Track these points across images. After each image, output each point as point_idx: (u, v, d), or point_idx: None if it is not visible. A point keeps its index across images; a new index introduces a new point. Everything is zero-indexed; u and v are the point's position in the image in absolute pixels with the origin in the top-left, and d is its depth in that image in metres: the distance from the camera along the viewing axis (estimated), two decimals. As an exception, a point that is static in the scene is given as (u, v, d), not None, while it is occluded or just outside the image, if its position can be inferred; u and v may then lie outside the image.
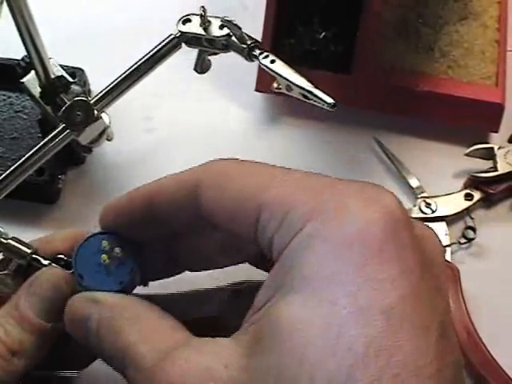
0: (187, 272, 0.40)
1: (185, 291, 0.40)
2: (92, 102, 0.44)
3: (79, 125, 0.44)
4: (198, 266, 0.39)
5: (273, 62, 0.42)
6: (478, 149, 0.55)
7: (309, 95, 0.40)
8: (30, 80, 0.52)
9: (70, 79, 0.51)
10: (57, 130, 0.44)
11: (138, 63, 0.44)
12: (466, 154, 0.55)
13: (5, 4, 0.43)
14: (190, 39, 0.45)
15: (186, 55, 0.46)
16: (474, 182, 0.55)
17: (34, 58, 0.48)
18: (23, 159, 0.43)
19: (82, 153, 0.54)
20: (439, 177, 0.56)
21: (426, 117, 0.57)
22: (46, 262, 0.38)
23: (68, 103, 0.44)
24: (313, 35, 0.58)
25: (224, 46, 0.44)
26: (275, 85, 0.42)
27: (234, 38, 0.43)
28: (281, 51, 0.56)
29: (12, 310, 0.36)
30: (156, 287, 0.40)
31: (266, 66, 0.42)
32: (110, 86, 0.44)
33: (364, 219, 0.28)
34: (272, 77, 0.42)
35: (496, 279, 0.52)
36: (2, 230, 0.39)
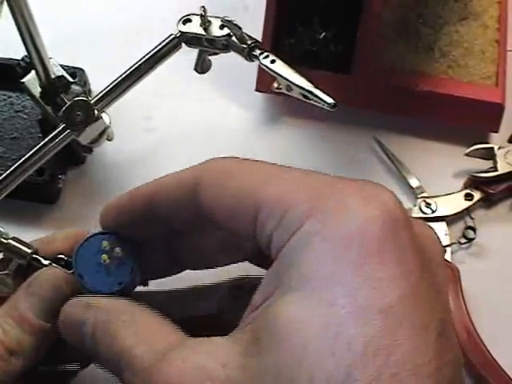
0: (187, 270, 0.40)
1: (184, 287, 0.40)
2: (92, 102, 0.44)
3: (79, 125, 0.44)
4: (199, 264, 0.39)
5: (273, 62, 0.42)
6: (478, 149, 0.55)
7: (309, 95, 0.40)
8: (31, 80, 0.52)
9: (71, 79, 0.51)
10: (57, 130, 0.44)
11: (138, 63, 0.44)
12: (466, 154, 0.55)
13: (5, 4, 0.43)
14: (191, 39, 0.45)
15: (186, 55, 0.46)
16: (474, 182, 0.55)
17: (35, 57, 0.48)
18: (23, 159, 0.43)
19: (83, 153, 0.54)
20: (439, 177, 0.56)
21: (426, 117, 0.57)
22: (46, 262, 0.38)
23: (68, 103, 0.44)
24: (313, 35, 0.58)
25: (224, 46, 0.44)
26: (275, 85, 0.42)
27: (234, 38, 0.43)
28: (281, 51, 0.56)
29: (11, 310, 0.36)
30: (155, 284, 0.40)
31: (266, 66, 0.42)
32: (110, 86, 0.44)
33: (363, 218, 0.28)
34: (272, 77, 0.42)
35: (496, 279, 0.52)
36: (3, 230, 0.39)
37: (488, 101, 0.55)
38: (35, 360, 0.36)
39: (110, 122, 0.46)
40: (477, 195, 0.54)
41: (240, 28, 0.42)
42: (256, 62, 0.43)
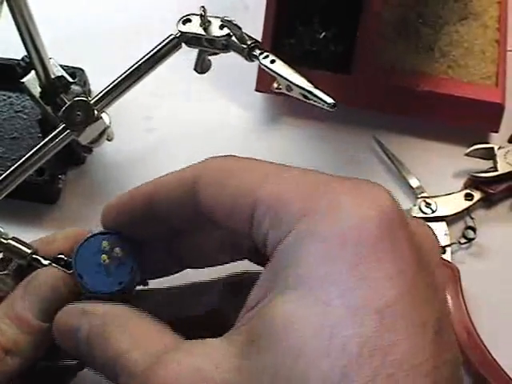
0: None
1: (182, 284, 0.40)
2: (92, 102, 0.44)
3: (79, 125, 0.44)
4: (199, 263, 0.39)
5: (273, 61, 0.42)
6: (478, 149, 0.55)
7: (309, 95, 0.40)
8: (30, 80, 0.52)
9: (70, 79, 0.51)
10: (57, 130, 0.44)
11: (138, 63, 0.44)
12: (466, 154, 0.55)
13: (5, 4, 0.43)
14: (190, 39, 0.45)
15: (186, 55, 0.46)
16: (474, 182, 0.55)
17: (34, 58, 0.48)
18: (23, 159, 0.43)
19: (82, 153, 0.54)
20: (439, 177, 0.56)
21: (426, 117, 0.57)
22: (46, 262, 0.38)
23: (68, 103, 0.44)
24: (313, 35, 0.58)
25: (224, 46, 0.44)
26: (275, 85, 0.42)
27: (234, 38, 0.43)
28: (281, 51, 0.56)
29: (8, 310, 0.36)
30: (154, 283, 0.40)
31: (265, 66, 0.42)
32: (110, 86, 0.44)
33: (357, 216, 0.28)
34: (272, 77, 0.42)
35: (496, 279, 0.52)
36: (2, 230, 0.39)
37: (488, 101, 0.55)
38: (32, 360, 0.36)
39: (109, 122, 0.46)
40: (477, 195, 0.54)
41: (240, 28, 0.42)
42: (256, 62, 0.43)
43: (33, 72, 0.51)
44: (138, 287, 0.38)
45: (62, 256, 0.38)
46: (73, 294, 0.36)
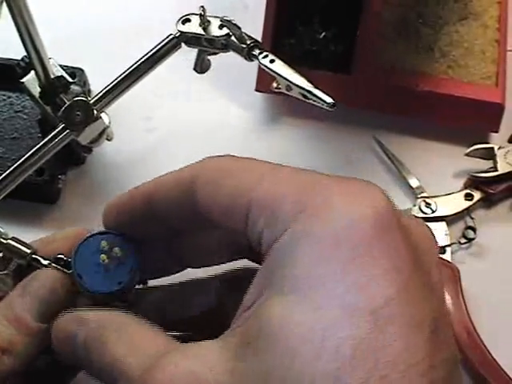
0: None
1: (183, 281, 0.40)
2: (92, 101, 0.44)
3: (79, 125, 0.44)
4: (200, 262, 0.39)
5: (272, 61, 0.42)
6: (478, 149, 0.55)
7: (308, 95, 0.40)
8: (30, 80, 0.52)
9: (70, 79, 0.51)
10: (56, 130, 0.44)
11: (138, 63, 0.44)
12: (466, 154, 0.55)
13: (4, 4, 0.43)
14: (190, 39, 0.45)
15: (186, 55, 0.46)
16: (474, 182, 0.55)
17: (34, 58, 0.48)
18: (23, 159, 0.43)
19: (82, 153, 0.54)
20: (439, 177, 0.56)
21: (426, 117, 0.57)
22: (45, 262, 0.38)
23: (68, 103, 0.44)
24: (313, 35, 0.58)
25: (223, 45, 0.44)
26: (275, 85, 0.42)
27: (233, 37, 0.43)
28: (281, 51, 0.56)
29: (6, 311, 0.36)
30: (154, 281, 0.40)
31: (265, 66, 0.42)
32: (110, 86, 0.44)
33: (350, 216, 0.27)
34: (272, 77, 0.42)
35: (496, 279, 0.52)
36: (2, 230, 0.39)
37: (488, 101, 0.55)
38: (29, 360, 0.36)
39: (109, 122, 0.46)
40: (477, 195, 0.54)
41: (239, 28, 0.42)
42: (256, 62, 0.43)
43: (32, 72, 0.51)
44: (138, 286, 0.38)
45: (62, 256, 0.38)
46: (71, 295, 0.36)
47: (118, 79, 0.44)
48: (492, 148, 0.55)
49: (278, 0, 0.56)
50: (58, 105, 0.49)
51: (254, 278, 0.30)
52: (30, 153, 0.43)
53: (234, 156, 0.33)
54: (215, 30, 0.44)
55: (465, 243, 0.53)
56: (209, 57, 0.46)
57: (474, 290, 0.51)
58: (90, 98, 0.44)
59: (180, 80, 0.58)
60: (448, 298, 0.50)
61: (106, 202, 0.37)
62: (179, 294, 0.39)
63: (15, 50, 0.51)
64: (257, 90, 0.58)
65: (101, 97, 0.44)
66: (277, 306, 0.27)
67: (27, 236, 0.40)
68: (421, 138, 0.58)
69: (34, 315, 0.36)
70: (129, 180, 0.54)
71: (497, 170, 0.54)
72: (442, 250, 0.52)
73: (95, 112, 0.44)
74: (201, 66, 0.46)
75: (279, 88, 0.42)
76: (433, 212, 0.54)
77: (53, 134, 0.43)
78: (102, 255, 0.36)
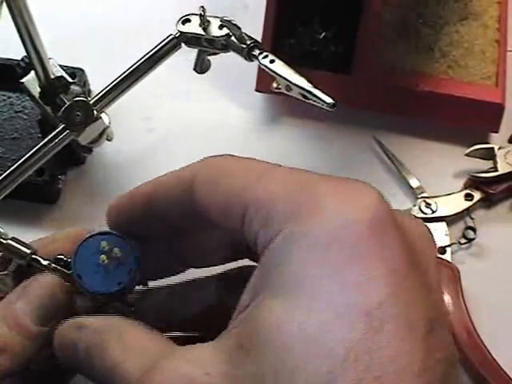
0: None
1: (178, 282, 0.40)
2: (92, 102, 0.44)
3: (79, 125, 0.44)
4: (201, 262, 0.39)
5: (272, 61, 0.42)
6: (478, 149, 0.55)
7: (308, 95, 0.40)
8: (30, 80, 0.52)
9: (70, 79, 0.51)
10: (57, 131, 0.43)
11: (138, 63, 0.44)
12: (467, 154, 0.55)
13: (5, 4, 0.43)
14: (190, 39, 0.45)
15: (186, 55, 0.46)
16: (474, 182, 0.55)
17: (34, 58, 0.48)
18: (23, 159, 0.43)
19: (82, 153, 0.54)
20: (439, 177, 0.56)
21: (426, 117, 0.57)
22: (45, 263, 0.38)
23: (68, 103, 0.44)
24: (313, 35, 0.58)
25: (223, 45, 0.44)
26: (275, 85, 0.42)
27: (233, 37, 0.43)
28: (281, 51, 0.56)
29: (3, 313, 0.36)
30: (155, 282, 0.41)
31: (265, 66, 0.42)
32: (110, 86, 0.44)
33: (342, 217, 0.27)
34: (272, 77, 0.42)
35: (496, 279, 0.52)
36: (2, 231, 0.38)
37: (488, 101, 0.55)
38: (27, 360, 0.36)
39: (109, 122, 0.46)
40: (477, 195, 0.54)
41: (239, 28, 0.42)
42: (256, 62, 0.43)
43: (32, 72, 0.51)
44: (138, 287, 0.38)
45: (62, 256, 0.38)
46: (70, 298, 0.36)
47: (118, 79, 0.44)
48: (492, 148, 0.55)
49: (278, 0, 0.56)
50: (58, 105, 0.49)
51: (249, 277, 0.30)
52: (30, 153, 0.43)
53: (233, 156, 0.33)
54: (215, 31, 0.44)
55: (465, 243, 0.53)
56: (209, 57, 0.46)
57: (474, 289, 0.51)
58: (90, 99, 0.44)
59: (180, 80, 0.58)
60: (448, 298, 0.50)
61: (106, 202, 0.37)
62: (180, 293, 0.39)
63: (15, 50, 0.51)
64: (257, 90, 0.58)
65: (101, 97, 0.44)
66: (270, 307, 0.27)
67: (27, 236, 0.40)
68: (421, 138, 0.58)
69: (34, 319, 0.36)
70: (129, 180, 0.54)
71: (497, 171, 0.54)
72: (442, 250, 0.52)
73: (95, 112, 0.44)
74: (201, 67, 0.46)
75: (279, 88, 0.42)
76: (433, 212, 0.54)
77: (53, 134, 0.43)
78: (102, 256, 0.36)
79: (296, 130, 0.58)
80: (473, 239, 0.53)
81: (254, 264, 0.36)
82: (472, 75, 0.56)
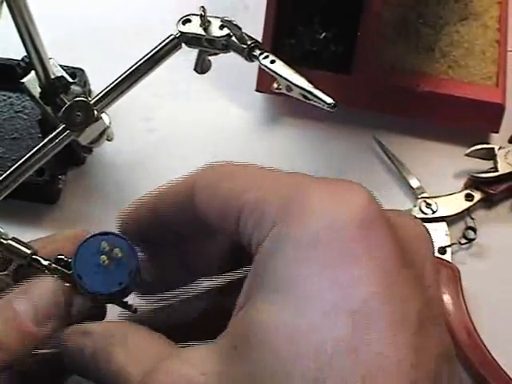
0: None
1: (184, 288, 0.40)
2: (92, 102, 0.44)
3: (79, 125, 0.44)
4: (211, 270, 0.39)
5: (273, 62, 0.42)
6: (478, 149, 0.55)
7: (309, 95, 0.40)
8: (30, 80, 0.52)
9: (70, 79, 0.51)
10: (57, 131, 0.43)
11: (138, 63, 0.44)
12: (467, 155, 0.55)
13: (5, 4, 0.43)
14: (190, 39, 0.45)
15: (186, 55, 0.46)
16: (474, 183, 0.55)
17: (34, 58, 0.48)
18: (23, 159, 0.43)
19: (83, 153, 0.54)
20: (440, 177, 0.56)
21: (426, 117, 0.57)
22: (46, 263, 0.38)
23: (68, 103, 0.44)
24: (313, 35, 0.58)
25: (224, 46, 0.44)
26: (275, 85, 0.42)
27: (234, 38, 0.43)
28: (281, 51, 0.56)
29: (3, 312, 0.36)
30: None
31: (265, 67, 0.42)
32: (110, 87, 0.44)
33: (329, 216, 0.27)
34: (272, 77, 0.42)
35: (496, 279, 0.52)
36: (2, 231, 0.38)
37: (488, 101, 0.55)
38: (23, 358, 0.36)
39: (109, 123, 0.46)
40: (477, 195, 0.54)
41: (240, 28, 0.42)
42: (256, 62, 0.43)
43: (33, 72, 0.51)
44: (128, 312, 0.38)
45: (62, 256, 0.38)
46: (71, 299, 0.36)
47: (119, 79, 0.44)
48: (492, 148, 0.55)
49: (278, 0, 0.56)
50: (58, 105, 0.49)
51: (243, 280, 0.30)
52: (30, 153, 0.43)
53: (234, 162, 0.33)
54: (216, 31, 0.44)
55: (465, 243, 0.53)
56: (209, 57, 0.46)
57: (474, 289, 0.51)
58: (90, 99, 0.44)
59: (180, 80, 0.58)
60: (448, 298, 0.50)
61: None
62: (172, 302, 0.39)
63: (15, 50, 0.51)
64: (257, 91, 0.58)
65: (101, 97, 0.44)
66: (260, 308, 0.27)
67: (27, 236, 0.40)
68: (421, 139, 0.58)
69: (33, 320, 0.36)
70: (129, 180, 0.54)
71: (497, 171, 0.54)
72: (443, 250, 0.52)
73: (95, 112, 0.44)
74: (201, 67, 0.46)
75: (279, 88, 0.42)
76: (433, 212, 0.54)
77: (53, 134, 0.43)
78: (103, 256, 0.36)
79: (296, 130, 0.58)
80: (473, 239, 0.53)
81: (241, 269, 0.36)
82: (472, 75, 0.56)
